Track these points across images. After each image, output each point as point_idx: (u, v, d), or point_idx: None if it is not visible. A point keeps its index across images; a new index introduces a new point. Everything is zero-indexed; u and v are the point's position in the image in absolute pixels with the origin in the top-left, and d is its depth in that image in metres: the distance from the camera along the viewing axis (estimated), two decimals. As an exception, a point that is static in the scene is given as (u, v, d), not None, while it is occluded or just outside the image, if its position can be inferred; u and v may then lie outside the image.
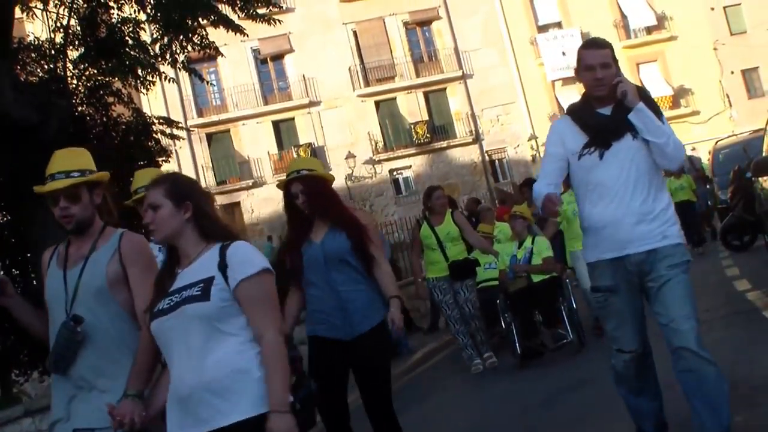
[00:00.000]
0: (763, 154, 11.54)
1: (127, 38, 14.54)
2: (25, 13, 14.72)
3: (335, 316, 5.84)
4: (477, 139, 43.76)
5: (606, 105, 5.19)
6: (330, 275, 5.83)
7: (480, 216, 14.52)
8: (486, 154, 43.98)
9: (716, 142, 24.60)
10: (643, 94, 5.26)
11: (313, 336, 6.03)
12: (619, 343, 5.35)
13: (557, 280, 11.26)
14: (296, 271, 5.94)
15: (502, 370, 11.03)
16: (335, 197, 6.14)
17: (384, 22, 44.17)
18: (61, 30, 14.18)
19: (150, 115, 18.09)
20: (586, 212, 5.25)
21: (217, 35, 15.12)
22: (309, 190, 5.90)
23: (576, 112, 5.39)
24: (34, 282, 15.64)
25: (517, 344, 10.79)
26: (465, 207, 18.68)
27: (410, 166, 43.67)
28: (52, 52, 14.35)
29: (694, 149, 35.76)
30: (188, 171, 40.28)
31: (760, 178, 11.28)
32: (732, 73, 44.32)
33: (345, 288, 5.84)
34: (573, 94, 43.23)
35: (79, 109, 15.06)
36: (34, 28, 15.82)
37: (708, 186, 24.15)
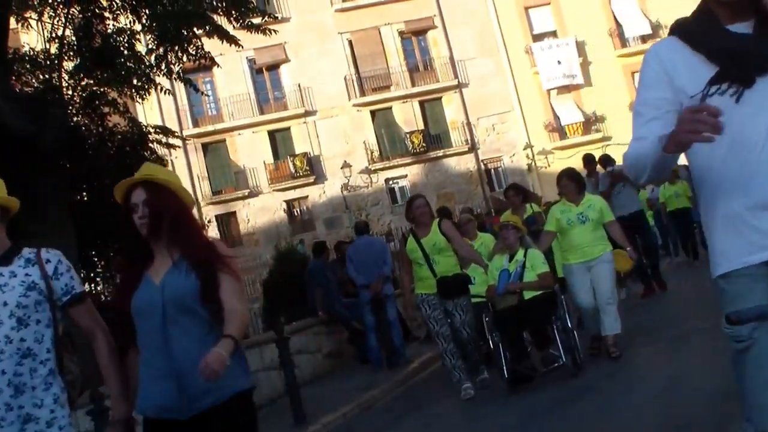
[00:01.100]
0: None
1: (122, 48, 14.54)
2: (20, 24, 14.73)
3: (168, 388, 4.06)
4: (472, 148, 43.78)
5: (741, 20, 3.23)
6: (166, 330, 4.09)
7: (461, 228, 12.74)
8: (482, 163, 43.99)
9: (712, 151, 24.70)
10: None
11: (145, 418, 4.21)
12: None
13: (551, 297, 10.05)
14: (125, 324, 4.30)
15: (496, 383, 10.26)
16: (186, 215, 4.51)
17: (379, 32, 44.21)
18: (57, 40, 14.19)
19: (146, 124, 18.10)
20: (713, 189, 3.23)
21: (212, 45, 15.11)
22: (154, 202, 4.28)
23: (693, 31, 3.35)
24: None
25: (505, 368, 9.73)
26: (459, 219, 17.52)
27: (406, 176, 43.67)
28: (48, 62, 14.36)
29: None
30: (184, 181, 39.89)
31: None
32: (727, 81, 44.38)
33: (182, 347, 4.06)
34: (569, 102, 43.37)
35: (75, 119, 15.07)
36: (30, 38, 15.83)
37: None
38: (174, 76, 15.13)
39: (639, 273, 14.73)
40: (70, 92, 14.60)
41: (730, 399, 6.72)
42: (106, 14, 14.46)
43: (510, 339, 9.81)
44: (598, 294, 10.18)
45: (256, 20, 15.65)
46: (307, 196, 42.90)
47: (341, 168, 41.21)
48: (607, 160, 16.13)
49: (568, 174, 10.88)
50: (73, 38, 14.45)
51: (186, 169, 41.06)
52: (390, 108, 44.20)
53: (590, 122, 43.87)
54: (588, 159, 15.89)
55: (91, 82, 14.79)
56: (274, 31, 15.70)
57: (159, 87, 15.25)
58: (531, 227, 12.24)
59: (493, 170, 44.47)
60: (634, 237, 13.81)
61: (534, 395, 9.36)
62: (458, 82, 44.09)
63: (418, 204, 10.63)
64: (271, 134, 43.38)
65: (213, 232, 39.99)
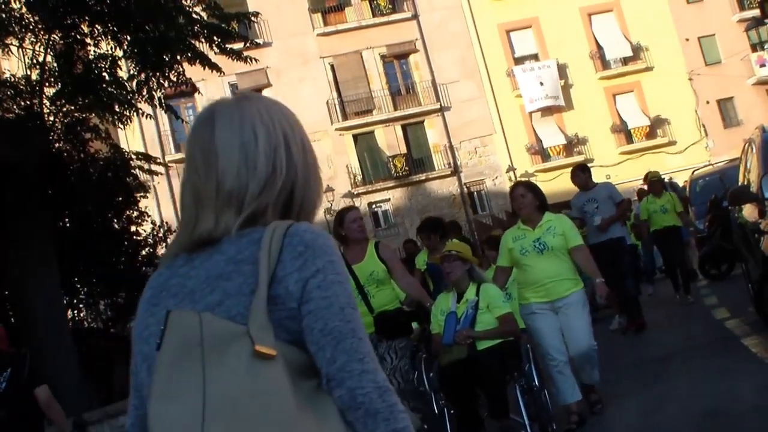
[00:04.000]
0: (739, 184, 11.59)
1: (104, 74, 14.53)
2: (0, 50, 14.70)
3: None
4: (455, 171, 43.82)
5: None
6: None
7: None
8: (464, 186, 44.02)
9: (693, 172, 24.66)
10: None
11: None
12: None
13: (512, 346, 7.83)
14: None
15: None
16: None
17: (361, 56, 44.29)
18: (38, 66, 14.16)
19: (128, 150, 18.07)
20: None
21: (194, 71, 15.10)
22: None
23: None
24: (12, 319, 15.56)
25: None
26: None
27: (389, 199, 43.67)
28: (29, 88, 14.33)
29: (671, 179, 35.93)
30: (167, 206, 40.20)
31: (736, 207, 11.33)
32: (707, 103, 44.60)
33: None
34: (551, 125, 43.53)
35: (57, 145, 15.03)
36: (10, 65, 15.79)
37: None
38: (155, 102, 15.11)
39: (626, 304, 13.16)
40: (51, 118, 14.56)
41: (714, 415, 6.75)
42: (88, 40, 14.44)
43: (458, 403, 7.59)
44: (570, 346, 8.08)
45: (238, 46, 15.68)
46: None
47: (324, 192, 41.08)
48: None
49: (526, 184, 8.94)
50: (55, 64, 14.43)
51: (169, 194, 40.95)
52: (372, 132, 44.23)
53: (572, 144, 43.97)
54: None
55: (73, 108, 14.75)
56: (255, 59, 15.68)
57: (141, 112, 15.23)
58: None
59: (476, 193, 44.49)
60: (615, 264, 12.12)
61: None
62: (440, 105, 44.16)
63: (353, 217, 8.12)
64: (254, 159, 43.30)
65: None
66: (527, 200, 8.25)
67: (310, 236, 1.87)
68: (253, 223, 1.90)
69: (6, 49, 14.68)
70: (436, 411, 7.87)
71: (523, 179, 9.03)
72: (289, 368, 1.75)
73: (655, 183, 15.35)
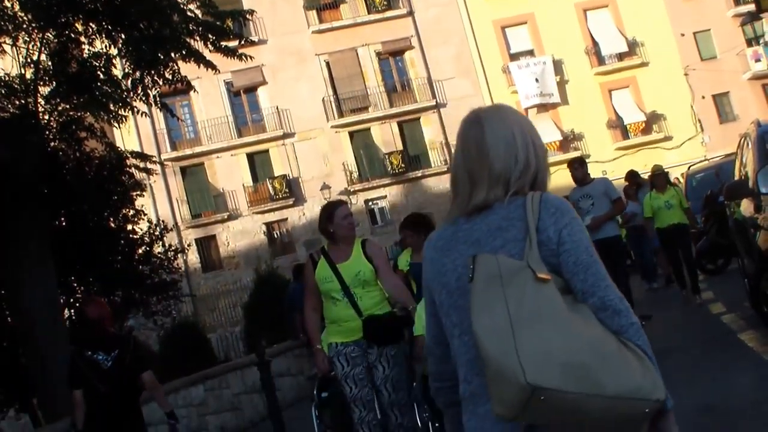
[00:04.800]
0: (735, 179, 11.58)
1: (98, 73, 14.50)
2: (-6, 49, 14.67)
3: None
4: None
5: None
6: None
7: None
8: (461, 183, 43.98)
9: (689, 167, 24.71)
10: None
11: None
12: None
13: None
14: None
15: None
16: None
17: (357, 53, 44.28)
18: (32, 65, 14.14)
19: (123, 149, 18.06)
20: None
21: (189, 69, 15.08)
22: None
23: None
24: (8, 319, 15.55)
25: None
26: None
27: (385, 196, 43.67)
28: (23, 87, 14.30)
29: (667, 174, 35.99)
30: (163, 205, 40.16)
31: (732, 202, 11.32)
32: (703, 98, 44.64)
33: None
34: (546, 121, 43.52)
35: (52, 144, 15.00)
36: (4, 63, 15.76)
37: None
38: (151, 100, 15.08)
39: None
40: (46, 117, 14.54)
41: (711, 410, 6.74)
42: (82, 39, 14.42)
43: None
44: None
45: (233, 44, 15.66)
46: (286, 219, 42.81)
47: (320, 190, 41.16)
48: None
49: None
50: (49, 63, 14.40)
51: (165, 192, 40.95)
52: (368, 129, 44.23)
53: (568, 140, 43.97)
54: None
55: (68, 107, 14.72)
56: (250, 57, 15.65)
57: (136, 110, 15.20)
58: None
59: (472, 190, 44.45)
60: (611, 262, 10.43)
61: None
62: (436, 102, 44.17)
63: (343, 213, 7.50)
64: (250, 157, 43.31)
65: (193, 255, 39.89)
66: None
67: (558, 201, 2.75)
68: (515, 195, 2.77)
69: (0, 48, 14.65)
70: (420, 424, 7.49)
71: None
72: (557, 287, 2.58)
73: (658, 176, 14.65)
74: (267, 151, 43.41)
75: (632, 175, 18.49)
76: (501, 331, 2.48)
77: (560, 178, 18.96)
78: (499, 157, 2.81)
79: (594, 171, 17.27)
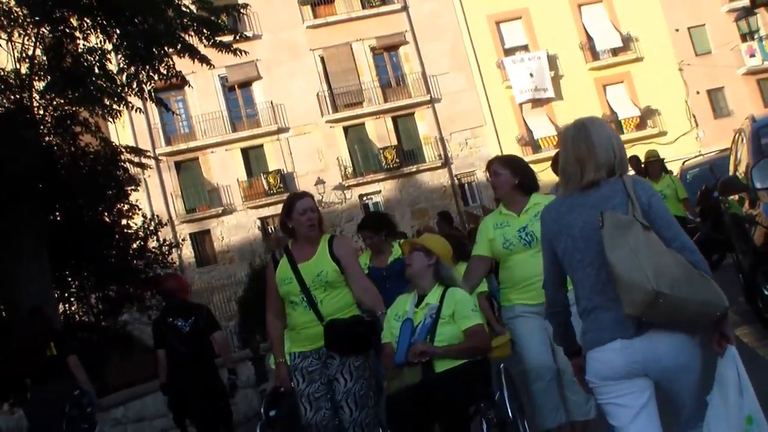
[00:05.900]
0: (730, 174, 11.58)
1: (93, 68, 14.48)
2: (-11, 44, 14.65)
3: None
4: (446, 163, 43.81)
5: None
6: None
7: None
8: (455, 178, 44.02)
9: (683, 163, 24.67)
10: None
11: None
12: None
13: (479, 369, 6.12)
14: None
15: None
16: None
17: (351, 48, 44.24)
18: (27, 60, 14.12)
19: (118, 144, 18.04)
20: None
21: (184, 64, 15.07)
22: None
23: None
24: (2, 313, 15.53)
25: None
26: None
27: (380, 191, 43.65)
28: (18, 82, 14.29)
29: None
30: (157, 199, 40.17)
31: (727, 197, 11.32)
32: (698, 93, 44.66)
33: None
34: (541, 116, 43.57)
35: (47, 139, 14.99)
36: (0, 58, 15.73)
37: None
38: (145, 95, 15.07)
39: None
40: (41, 112, 14.53)
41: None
42: (77, 33, 14.40)
43: None
44: (560, 358, 6.05)
45: (227, 39, 15.63)
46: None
47: (315, 185, 41.12)
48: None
49: (502, 159, 7.28)
50: (44, 58, 14.39)
51: (159, 187, 40.94)
52: (363, 124, 44.21)
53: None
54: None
55: (63, 101, 14.71)
56: (245, 51, 15.62)
57: (131, 105, 15.19)
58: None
59: (467, 185, 44.47)
60: None
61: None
62: (430, 97, 44.15)
63: (302, 207, 6.49)
64: (244, 152, 43.28)
65: (188, 250, 39.84)
66: (502, 179, 6.64)
67: (643, 181, 4.15)
68: (613, 175, 4.04)
69: (-5, 43, 14.64)
70: None
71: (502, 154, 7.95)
72: None
73: (653, 163, 13.99)
74: (261, 145, 43.38)
75: (636, 161, 17.43)
76: (630, 258, 3.70)
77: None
78: (602, 151, 4.06)
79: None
